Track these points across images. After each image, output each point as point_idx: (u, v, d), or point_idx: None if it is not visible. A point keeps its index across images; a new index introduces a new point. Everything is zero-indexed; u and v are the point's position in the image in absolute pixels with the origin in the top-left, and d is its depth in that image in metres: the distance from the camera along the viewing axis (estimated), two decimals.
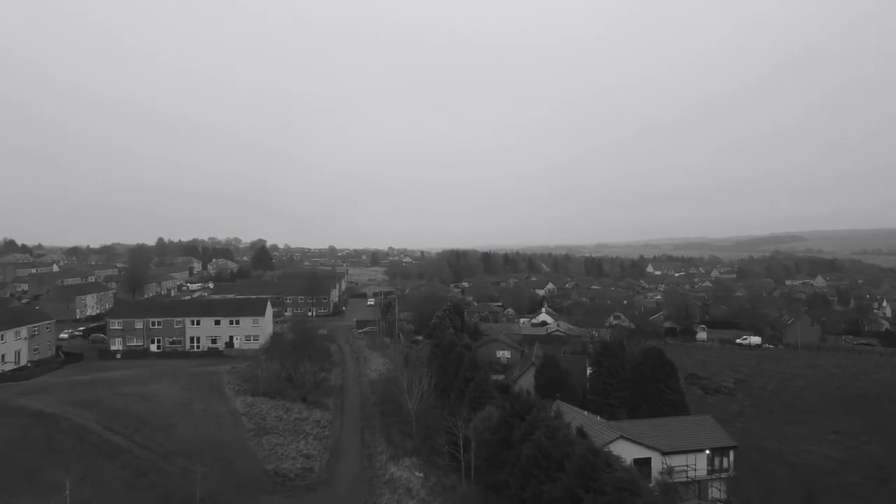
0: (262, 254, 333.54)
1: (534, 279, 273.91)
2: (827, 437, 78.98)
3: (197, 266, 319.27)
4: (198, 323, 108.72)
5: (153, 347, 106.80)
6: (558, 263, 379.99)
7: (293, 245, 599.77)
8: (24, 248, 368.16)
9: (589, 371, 78.41)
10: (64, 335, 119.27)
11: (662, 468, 55.53)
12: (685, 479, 56.07)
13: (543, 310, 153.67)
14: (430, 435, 56.77)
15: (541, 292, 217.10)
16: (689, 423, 61.63)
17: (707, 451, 57.29)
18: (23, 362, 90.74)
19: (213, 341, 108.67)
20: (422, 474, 49.75)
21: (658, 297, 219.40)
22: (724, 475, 57.77)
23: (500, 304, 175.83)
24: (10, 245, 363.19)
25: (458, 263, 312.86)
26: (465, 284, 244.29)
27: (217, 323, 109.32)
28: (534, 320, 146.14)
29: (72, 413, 57.76)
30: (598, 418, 63.98)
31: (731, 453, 58.72)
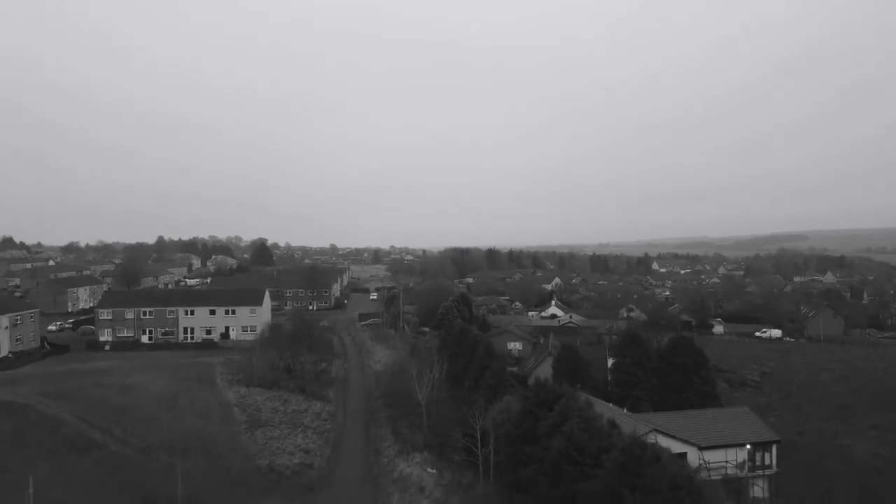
0: (262, 250, 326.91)
1: (540, 274, 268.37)
2: (866, 433, 73.45)
3: (196, 262, 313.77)
4: (192, 313, 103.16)
5: (144, 339, 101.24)
6: (563, 260, 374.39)
7: (294, 244, 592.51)
8: (23, 246, 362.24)
9: (610, 362, 73.02)
10: (52, 327, 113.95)
11: (700, 464, 50.15)
12: (724, 476, 50.68)
13: (553, 303, 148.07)
14: (442, 428, 51.13)
15: (548, 287, 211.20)
16: (727, 416, 56.29)
17: (748, 446, 51.81)
18: (3, 353, 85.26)
19: (208, 332, 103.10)
20: (435, 471, 44.14)
21: (667, 292, 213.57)
22: (767, 472, 52.29)
23: (507, 297, 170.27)
24: (8, 242, 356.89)
25: (461, 260, 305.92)
26: (470, 280, 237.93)
27: (212, 313, 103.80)
28: (543, 313, 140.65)
29: (45, 404, 52.19)
30: (625, 410, 58.60)
31: (774, 448, 53.28)
